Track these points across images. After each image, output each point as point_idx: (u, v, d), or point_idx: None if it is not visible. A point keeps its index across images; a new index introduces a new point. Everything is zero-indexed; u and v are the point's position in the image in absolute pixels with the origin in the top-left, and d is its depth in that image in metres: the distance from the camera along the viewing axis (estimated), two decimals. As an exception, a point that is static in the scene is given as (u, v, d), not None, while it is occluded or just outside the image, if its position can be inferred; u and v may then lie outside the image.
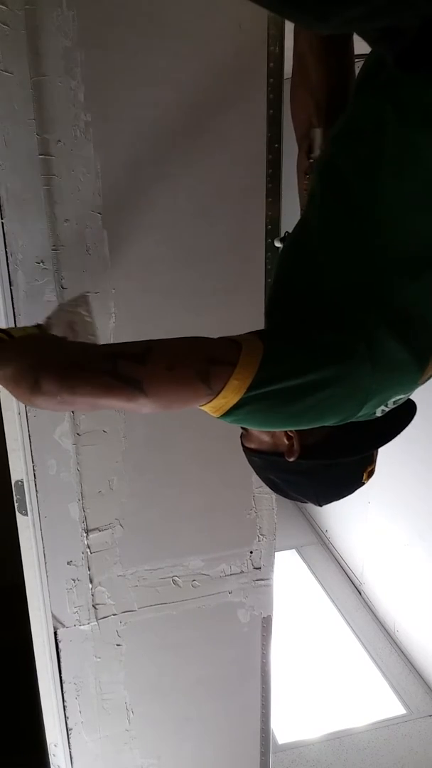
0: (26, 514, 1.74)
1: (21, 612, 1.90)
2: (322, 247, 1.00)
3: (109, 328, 1.65)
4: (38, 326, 1.46)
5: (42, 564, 1.81)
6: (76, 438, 1.73)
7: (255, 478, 1.91)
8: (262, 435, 1.09)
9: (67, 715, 2.02)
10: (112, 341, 1.66)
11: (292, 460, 1.05)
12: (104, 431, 1.75)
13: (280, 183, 1.65)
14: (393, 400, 1.02)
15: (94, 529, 1.84)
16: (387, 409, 1.04)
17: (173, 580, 1.98)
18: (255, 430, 1.09)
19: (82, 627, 1.93)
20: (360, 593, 4.18)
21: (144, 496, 1.85)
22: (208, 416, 0.95)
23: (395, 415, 1.07)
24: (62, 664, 1.95)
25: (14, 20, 1.37)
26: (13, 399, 1.52)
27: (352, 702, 3.49)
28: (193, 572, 2.00)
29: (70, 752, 2.07)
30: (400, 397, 1.03)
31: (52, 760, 2.06)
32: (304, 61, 1.11)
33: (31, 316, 1.58)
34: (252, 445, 1.12)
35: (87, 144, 1.49)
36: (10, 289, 1.55)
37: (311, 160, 1.17)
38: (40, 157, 1.47)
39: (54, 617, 1.89)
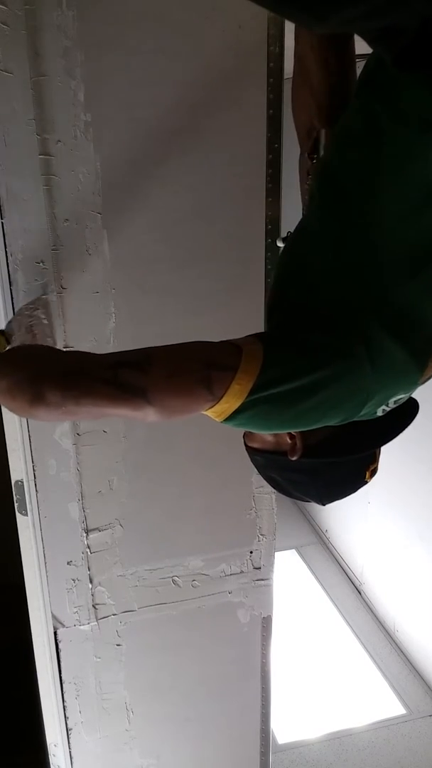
0: (26, 514, 1.74)
1: (21, 612, 1.90)
2: (319, 249, 1.00)
3: (109, 328, 1.65)
4: (1, 332, 1.43)
5: (42, 564, 1.81)
6: (76, 438, 1.73)
7: (255, 479, 1.91)
8: (265, 434, 1.10)
9: (67, 715, 2.02)
10: (111, 341, 1.66)
11: (294, 458, 1.06)
12: (104, 431, 1.75)
13: (280, 183, 1.65)
14: (394, 399, 1.03)
15: (94, 529, 1.84)
16: (388, 409, 1.04)
17: (173, 580, 1.98)
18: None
19: (82, 627, 1.93)
20: (360, 593, 4.18)
21: (144, 496, 1.85)
22: (208, 417, 0.95)
23: (398, 414, 1.07)
24: (62, 664, 1.95)
25: (14, 20, 1.37)
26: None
27: (352, 702, 3.49)
28: (193, 572, 2.00)
29: (70, 752, 2.07)
30: (401, 397, 1.04)
31: (52, 760, 2.06)
32: (305, 61, 1.11)
33: (31, 316, 1.58)
34: (255, 445, 1.12)
35: (87, 144, 1.49)
36: (10, 289, 1.55)
37: (314, 161, 1.17)
38: (40, 157, 1.47)
39: (54, 617, 1.89)
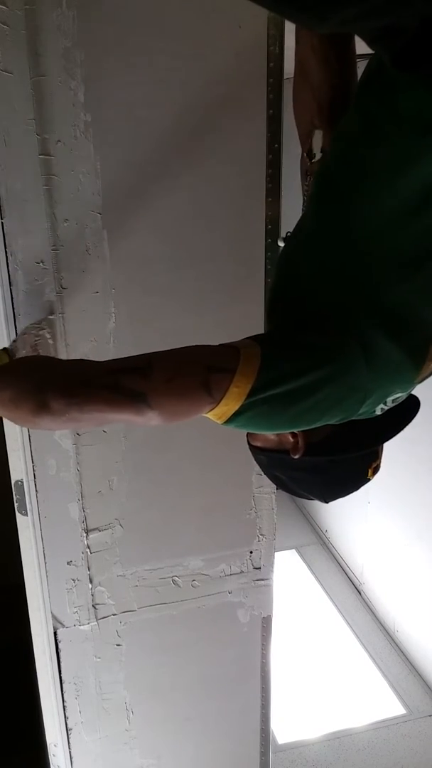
0: (26, 514, 1.74)
1: (21, 612, 1.90)
2: (315, 249, 1.01)
3: (109, 328, 1.65)
4: (5, 350, 1.45)
5: (42, 564, 1.81)
6: (76, 438, 1.73)
7: (255, 478, 1.91)
8: (268, 433, 1.10)
9: (66, 715, 2.02)
10: (111, 341, 1.66)
11: (297, 457, 1.06)
12: (104, 431, 1.75)
13: (279, 183, 1.65)
14: (392, 398, 1.03)
15: (93, 529, 1.84)
16: (386, 408, 1.04)
17: (173, 580, 1.98)
18: None
19: (82, 627, 1.93)
20: (360, 593, 4.18)
21: (144, 496, 1.85)
22: (208, 418, 0.96)
23: (399, 411, 1.08)
24: (62, 664, 1.95)
25: (14, 20, 1.37)
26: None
27: (352, 702, 3.49)
28: (193, 572, 2.00)
29: (70, 752, 2.07)
30: (399, 396, 1.04)
31: (52, 760, 2.06)
32: (305, 61, 1.11)
33: (31, 316, 1.58)
34: (258, 443, 1.13)
35: (87, 144, 1.49)
36: (10, 289, 1.55)
37: (311, 162, 1.17)
38: (40, 157, 1.47)
39: (54, 617, 1.89)
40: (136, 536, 1.89)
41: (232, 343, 0.95)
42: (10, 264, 1.53)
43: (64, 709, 2.01)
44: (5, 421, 1.67)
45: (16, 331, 1.57)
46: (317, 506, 4.70)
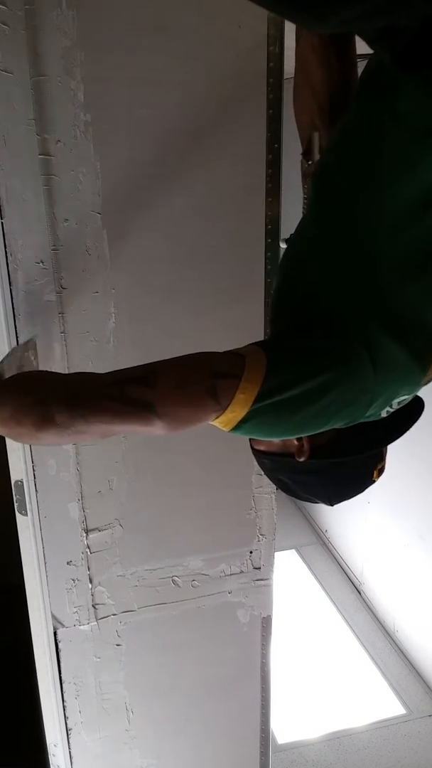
0: (26, 514, 1.74)
1: (21, 612, 1.90)
2: (318, 252, 1.00)
3: (109, 328, 1.65)
4: None
5: (42, 564, 1.81)
6: (76, 438, 1.73)
7: (255, 479, 1.91)
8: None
9: (66, 715, 2.02)
10: (111, 341, 1.66)
11: (302, 460, 1.06)
12: (104, 431, 1.75)
13: (279, 183, 1.65)
14: (397, 400, 1.03)
15: (93, 529, 1.84)
16: (392, 410, 1.04)
17: (173, 580, 1.98)
18: None
19: (81, 627, 1.93)
20: (360, 593, 4.18)
21: (144, 496, 1.85)
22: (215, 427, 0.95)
23: (404, 412, 1.07)
24: (62, 664, 1.95)
25: (14, 20, 1.37)
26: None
27: (352, 702, 3.49)
28: (193, 572, 2.00)
29: (69, 752, 2.07)
30: (404, 398, 1.04)
31: (52, 760, 2.06)
32: (306, 61, 1.11)
33: (30, 317, 1.58)
34: (261, 447, 1.12)
35: (87, 144, 1.49)
36: (10, 289, 1.55)
37: (309, 163, 1.17)
38: (40, 157, 1.47)
39: (54, 617, 1.89)
40: (135, 536, 1.89)
41: (237, 350, 0.94)
42: (10, 264, 1.53)
43: (64, 709, 2.01)
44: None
45: (16, 331, 1.57)
46: (317, 506, 4.70)
